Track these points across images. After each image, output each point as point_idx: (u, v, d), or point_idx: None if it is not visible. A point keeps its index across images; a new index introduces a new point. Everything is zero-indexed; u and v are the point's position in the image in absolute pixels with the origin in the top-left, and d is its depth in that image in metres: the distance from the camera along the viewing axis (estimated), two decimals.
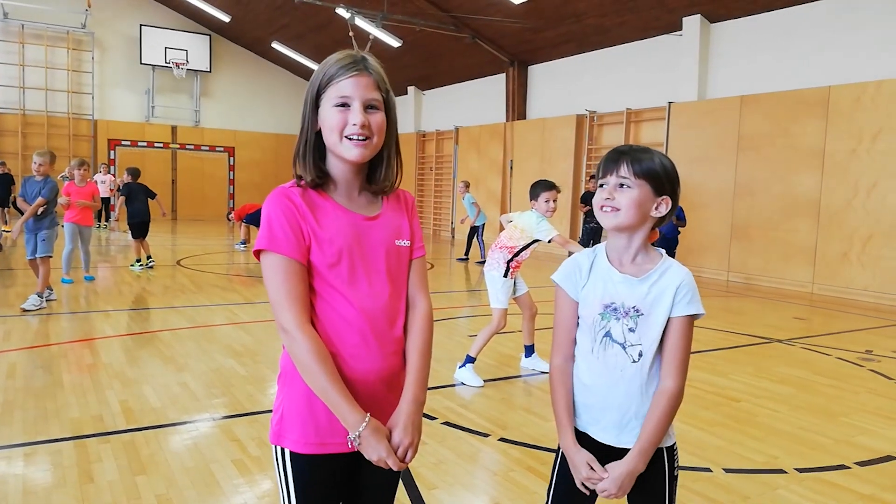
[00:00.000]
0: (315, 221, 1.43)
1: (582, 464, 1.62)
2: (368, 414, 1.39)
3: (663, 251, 1.67)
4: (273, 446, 1.49)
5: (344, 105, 1.41)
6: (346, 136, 1.41)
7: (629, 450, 1.60)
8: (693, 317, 1.60)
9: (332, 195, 1.49)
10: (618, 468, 1.58)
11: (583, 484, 1.63)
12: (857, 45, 9.46)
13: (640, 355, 1.60)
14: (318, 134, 1.47)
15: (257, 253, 1.43)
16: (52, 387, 4.22)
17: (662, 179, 1.61)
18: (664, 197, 1.61)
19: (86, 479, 2.94)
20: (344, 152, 1.43)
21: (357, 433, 1.37)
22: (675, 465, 1.67)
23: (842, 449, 3.63)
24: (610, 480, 1.58)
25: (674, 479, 1.67)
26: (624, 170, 1.59)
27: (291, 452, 1.46)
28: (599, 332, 1.63)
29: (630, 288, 1.61)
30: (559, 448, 1.71)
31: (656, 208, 1.61)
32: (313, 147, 1.46)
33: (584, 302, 1.66)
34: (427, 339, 1.54)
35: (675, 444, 1.68)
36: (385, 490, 1.61)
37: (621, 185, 1.60)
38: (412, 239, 1.57)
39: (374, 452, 1.38)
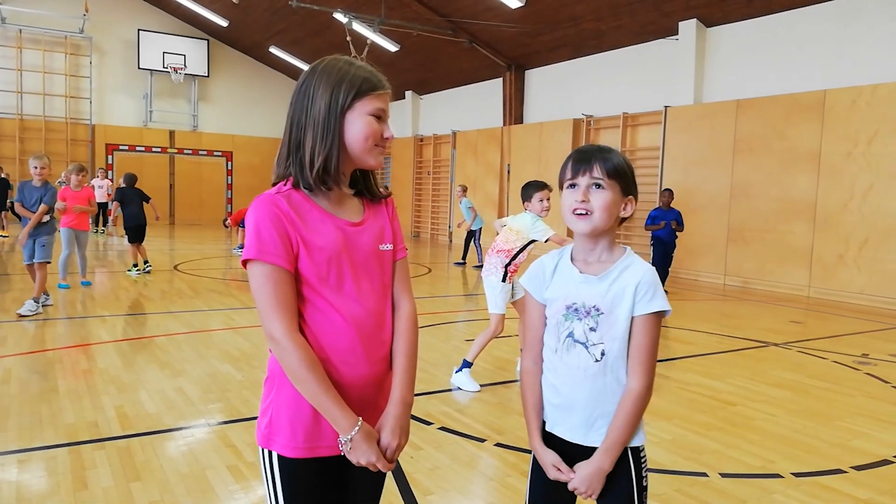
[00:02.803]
0: (304, 228, 1.43)
1: (548, 465, 1.63)
2: (360, 419, 1.42)
3: (628, 248, 1.65)
4: (261, 449, 1.50)
5: (379, 117, 1.48)
6: (375, 145, 1.48)
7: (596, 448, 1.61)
8: (658, 314, 1.58)
9: (317, 201, 1.48)
10: (585, 468, 1.58)
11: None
12: (852, 49, 9.49)
13: (603, 354, 1.59)
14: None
15: (245, 262, 1.43)
16: (47, 392, 4.21)
17: (629, 179, 1.61)
18: (630, 197, 1.62)
19: (80, 485, 2.93)
20: (371, 159, 1.50)
21: (349, 437, 1.40)
22: (643, 468, 1.65)
23: (838, 453, 3.63)
24: (579, 479, 1.59)
25: (642, 487, 1.64)
26: (597, 170, 1.57)
27: (280, 456, 1.46)
28: (563, 332, 1.63)
29: (590, 287, 1.60)
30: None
31: (624, 208, 1.61)
32: (339, 152, 1.46)
33: (549, 303, 1.67)
34: (413, 341, 1.56)
35: (642, 446, 1.65)
36: (372, 488, 1.62)
37: (596, 186, 1.58)
38: (394, 241, 1.59)
39: (364, 456, 1.42)
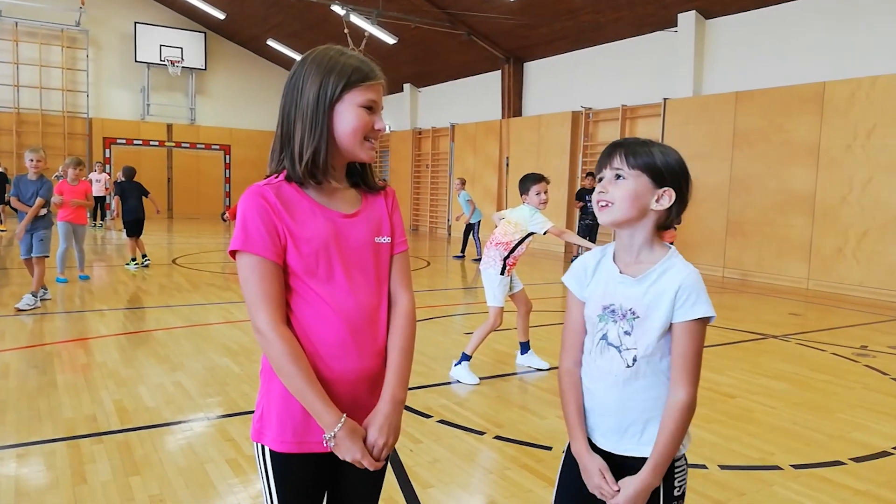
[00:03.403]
0: (291, 220, 1.40)
1: (595, 471, 1.54)
2: (344, 414, 1.39)
3: (672, 247, 1.57)
4: (254, 443, 1.49)
5: (370, 108, 1.43)
6: (366, 138, 1.44)
7: (630, 457, 1.54)
8: (703, 320, 1.48)
9: (309, 193, 1.45)
10: (631, 485, 1.50)
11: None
12: (852, 41, 9.46)
13: (635, 360, 1.51)
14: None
15: (233, 253, 1.41)
16: (45, 387, 4.20)
17: (661, 170, 1.52)
18: (665, 189, 1.52)
19: (79, 479, 2.92)
20: (361, 153, 1.45)
21: (332, 433, 1.37)
22: (677, 480, 1.56)
23: (837, 445, 3.64)
24: (623, 497, 1.50)
25: (673, 497, 1.56)
26: (618, 161, 1.52)
27: (270, 450, 1.45)
28: (597, 334, 1.57)
29: (627, 288, 1.53)
30: (566, 450, 1.66)
31: (657, 201, 1.52)
32: (327, 146, 1.42)
33: (587, 302, 1.60)
34: (408, 337, 1.52)
35: (680, 457, 1.57)
36: (370, 485, 1.59)
37: (617, 177, 1.52)
38: (393, 234, 1.55)
39: (349, 453, 1.39)
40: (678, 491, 1.57)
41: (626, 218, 1.52)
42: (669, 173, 1.53)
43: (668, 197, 1.53)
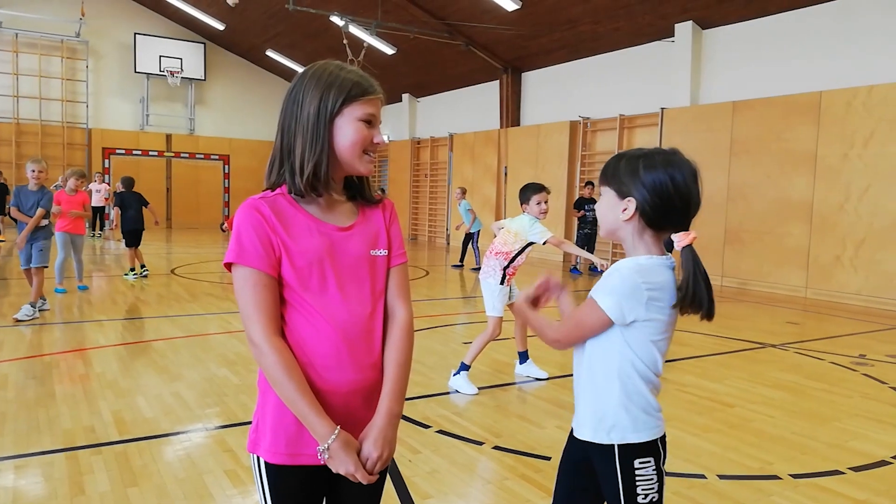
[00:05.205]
0: (286, 233, 1.41)
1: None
2: (338, 426, 1.38)
3: (645, 256, 1.57)
4: (250, 454, 1.50)
5: (369, 122, 1.45)
6: (365, 152, 1.46)
7: (584, 442, 1.64)
8: (593, 301, 1.55)
9: (305, 206, 1.47)
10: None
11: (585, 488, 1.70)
12: (848, 50, 9.52)
13: (582, 346, 1.65)
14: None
15: (228, 266, 1.42)
16: (44, 398, 4.19)
17: (620, 179, 1.57)
18: (628, 199, 1.55)
19: (77, 490, 2.92)
20: (360, 166, 1.47)
21: (326, 445, 1.37)
22: (640, 487, 1.52)
23: (836, 454, 3.64)
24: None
25: (634, 493, 1.52)
26: (598, 181, 1.69)
27: (265, 462, 1.46)
28: None
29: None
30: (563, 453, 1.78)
31: (623, 211, 1.56)
32: (328, 159, 1.43)
33: None
34: (405, 350, 1.51)
35: (633, 444, 1.54)
36: (368, 497, 1.58)
37: (600, 194, 1.68)
38: (390, 247, 1.55)
39: (343, 466, 1.38)
40: (643, 498, 1.53)
41: (608, 230, 1.64)
42: (627, 184, 1.56)
43: (631, 207, 1.55)
